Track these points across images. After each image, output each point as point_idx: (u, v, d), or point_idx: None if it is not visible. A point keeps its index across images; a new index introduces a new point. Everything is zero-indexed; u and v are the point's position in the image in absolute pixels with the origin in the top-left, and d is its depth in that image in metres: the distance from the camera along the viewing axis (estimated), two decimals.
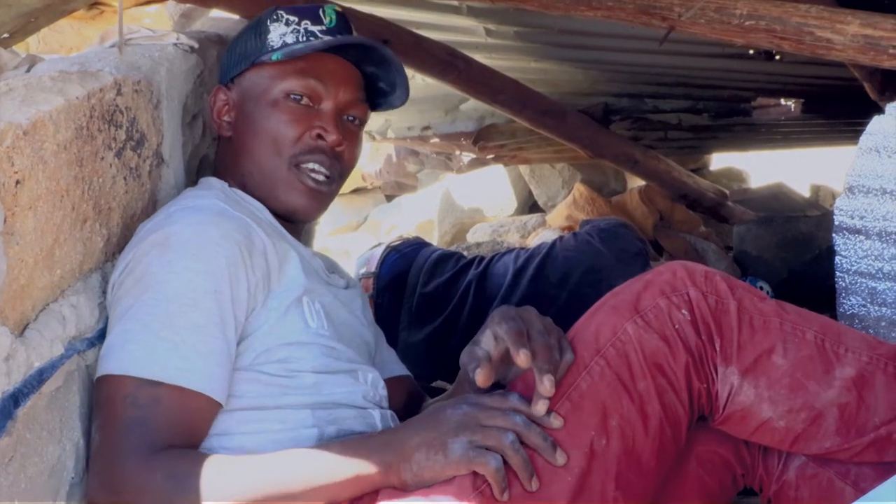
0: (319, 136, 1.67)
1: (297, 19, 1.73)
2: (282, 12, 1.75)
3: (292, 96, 1.68)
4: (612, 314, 1.45)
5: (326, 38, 1.71)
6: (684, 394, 1.42)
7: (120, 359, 1.35)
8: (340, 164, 1.72)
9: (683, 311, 1.43)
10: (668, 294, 1.45)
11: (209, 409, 1.39)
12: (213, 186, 1.68)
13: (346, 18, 1.78)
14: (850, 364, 1.44)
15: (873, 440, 1.41)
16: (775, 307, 1.48)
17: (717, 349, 1.43)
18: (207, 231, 1.47)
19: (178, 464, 1.29)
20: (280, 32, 1.72)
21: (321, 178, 1.68)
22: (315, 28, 1.72)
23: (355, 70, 1.76)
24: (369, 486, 1.32)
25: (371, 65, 1.78)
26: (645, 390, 1.40)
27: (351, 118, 1.75)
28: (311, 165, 1.67)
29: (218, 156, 1.82)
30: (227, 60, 1.81)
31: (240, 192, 1.68)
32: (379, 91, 1.84)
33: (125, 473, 1.28)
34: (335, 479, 1.31)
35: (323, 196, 1.71)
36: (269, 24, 1.75)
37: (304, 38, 1.71)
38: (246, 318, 1.47)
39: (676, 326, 1.42)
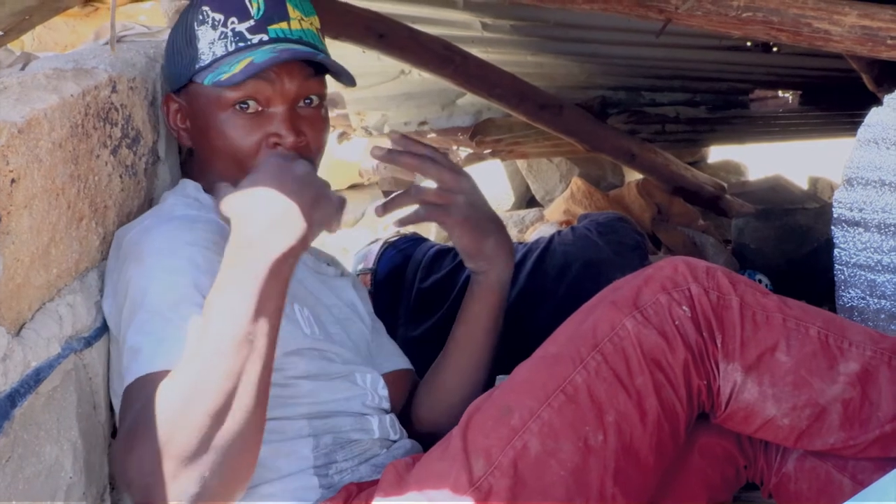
0: (276, 144, 1.58)
1: (222, 18, 1.58)
2: (206, 9, 1.60)
3: (238, 106, 1.57)
4: (612, 309, 1.45)
5: (255, 38, 1.57)
6: (682, 390, 1.41)
7: (133, 368, 1.34)
8: (308, 157, 1.60)
9: (684, 307, 1.43)
10: (668, 289, 1.44)
11: None
12: (187, 191, 1.65)
13: None
14: (853, 359, 1.43)
15: (878, 436, 1.41)
16: (778, 303, 1.48)
17: (719, 345, 1.42)
18: (179, 235, 1.46)
19: (159, 391, 1.22)
20: (208, 41, 1.59)
21: None
22: (243, 27, 1.58)
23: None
24: (287, 261, 1.30)
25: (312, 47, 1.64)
26: (642, 386, 1.40)
27: (307, 101, 1.62)
28: None
29: (188, 160, 1.77)
30: (167, 68, 1.71)
31: (213, 197, 1.64)
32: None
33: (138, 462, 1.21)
34: (261, 278, 1.26)
35: None
36: (195, 28, 1.61)
37: (233, 46, 1.57)
38: None
39: (676, 322, 1.42)
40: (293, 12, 1.62)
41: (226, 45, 1.58)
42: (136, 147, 1.66)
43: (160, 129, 1.78)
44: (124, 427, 1.27)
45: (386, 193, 7.20)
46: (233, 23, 1.58)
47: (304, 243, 1.31)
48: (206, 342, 1.23)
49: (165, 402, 1.20)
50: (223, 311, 1.24)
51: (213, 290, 1.27)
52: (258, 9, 1.59)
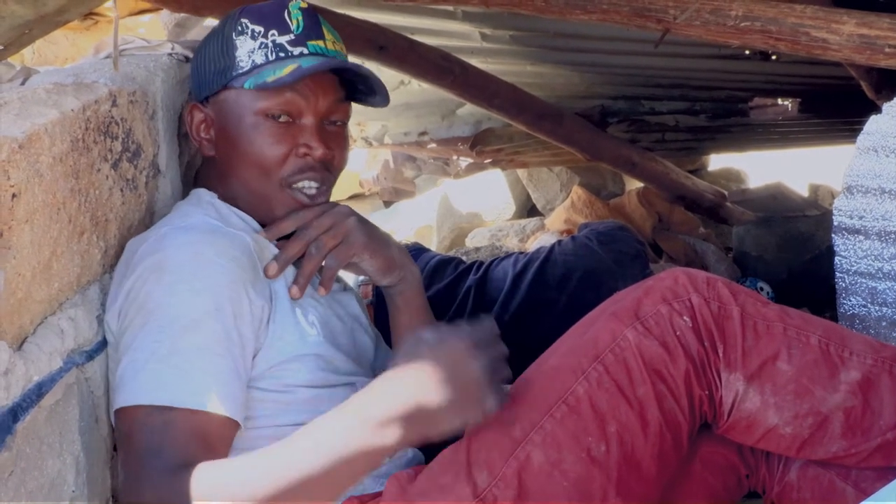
0: (306, 154, 1.64)
1: (262, 30, 1.64)
2: (245, 21, 1.65)
3: (271, 116, 1.62)
4: (613, 320, 1.45)
5: (296, 51, 1.63)
6: (684, 400, 1.41)
7: (131, 390, 1.36)
8: (331, 171, 1.69)
9: (685, 317, 1.43)
10: (669, 300, 1.45)
11: (224, 427, 1.38)
12: (202, 199, 1.67)
13: (314, 17, 1.69)
14: (854, 367, 1.43)
15: (880, 445, 1.41)
16: (778, 312, 1.48)
17: (721, 355, 1.42)
18: (202, 250, 1.47)
19: (199, 477, 1.25)
20: (248, 49, 1.64)
21: (314, 191, 1.66)
22: (283, 39, 1.64)
23: (330, 73, 1.69)
24: (391, 453, 1.30)
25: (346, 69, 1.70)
26: (644, 396, 1.40)
27: (333, 121, 1.70)
28: (302, 184, 1.65)
29: (203, 170, 1.79)
30: (197, 77, 1.74)
31: (229, 205, 1.66)
32: (357, 89, 1.75)
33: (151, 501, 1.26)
34: (355, 454, 1.26)
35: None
36: (234, 38, 1.66)
37: (273, 56, 1.62)
38: (256, 332, 1.48)
39: (677, 333, 1.42)
40: (327, 34, 1.69)
41: (266, 55, 1.63)
42: (136, 161, 1.67)
43: (160, 143, 1.78)
44: (129, 466, 1.32)
45: (387, 203, 7.21)
46: (273, 35, 1.64)
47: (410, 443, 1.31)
48: (266, 477, 1.25)
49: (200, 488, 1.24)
50: (302, 459, 1.26)
51: (312, 426, 1.30)
52: (298, 25, 1.65)
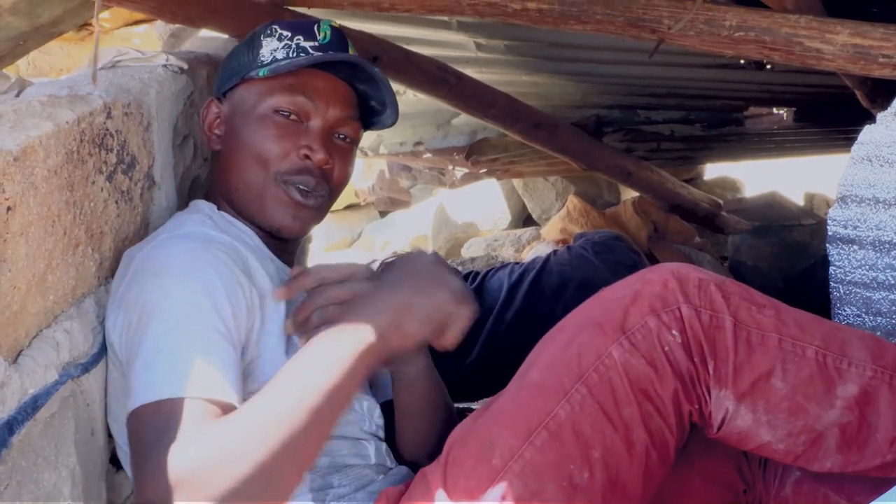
0: (306, 156, 1.64)
1: (290, 34, 1.71)
2: (276, 27, 1.73)
3: (280, 112, 1.66)
4: (598, 334, 1.39)
5: (316, 54, 1.69)
6: (672, 418, 1.36)
7: (140, 391, 1.30)
8: (329, 183, 1.69)
9: (674, 331, 1.36)
10: (657, 311, 1.38)
11: (216, 408, 1.29)
12: (200, 210, 1.67)
13: (341, 35, 1.76)
14: (852, 380, 1.37)
15: (879, 465, 1.36)
16: (774, 320, 1.40)
17: (711, 372, 1.37)
18: (199, 255, 1.46)
19: (202, 442, 1.17)
20: (272, 48, 1.70)
21: (307, 191, 1.65)
22: (307, 44, 1.70)
23: (347, 87, 1.74)
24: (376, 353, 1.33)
25: (362, 82, 1.75)
26: (630, 418, 1.34)
27: (342, 136, 1.72)
28: (297, 184, 1.65)
29: (210, 174, 1.80)
30: (220, 74, 1.80)
31: (227, 215, 1.67)
32: (372, 110, 1.81)
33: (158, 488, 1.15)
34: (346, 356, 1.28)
35: (308, 211, 1.67)
36: (262, 38, 1.73)
37: (294, 54, 1.68)
38: (249, 339, 1.45)
39: (665, 349, 1.36)
40: (351, 51, 1.76)
41: (287, 53, 1.70)
42: (131, 172, 1.67)
43: (155, 154, 1.79)
44: (156, 453, 1.19)
45: (382, 213, 7.22)
46: (299, 39, 1.71)
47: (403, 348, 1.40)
48: (278, 398, 1.22)
49: (218, 441, 1.17)
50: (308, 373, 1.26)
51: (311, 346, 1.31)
52: (325, 36, 1.74)
